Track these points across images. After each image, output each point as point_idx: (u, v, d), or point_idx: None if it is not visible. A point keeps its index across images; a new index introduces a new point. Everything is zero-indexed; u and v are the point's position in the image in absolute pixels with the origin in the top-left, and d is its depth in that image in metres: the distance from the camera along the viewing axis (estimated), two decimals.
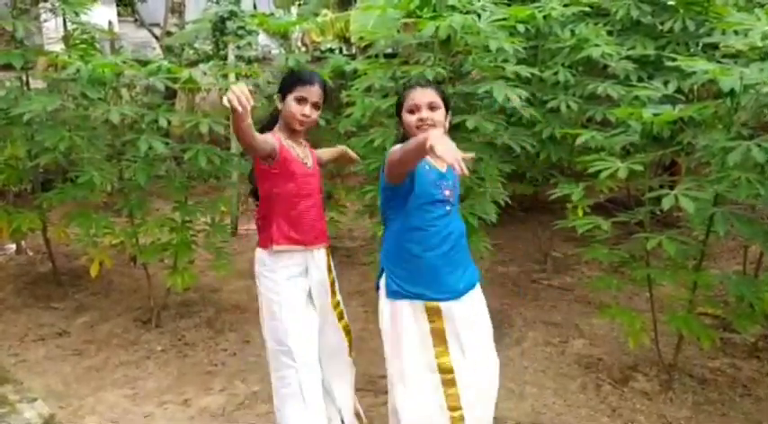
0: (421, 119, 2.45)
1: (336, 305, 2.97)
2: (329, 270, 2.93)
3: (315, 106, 2.75)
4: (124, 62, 3.98)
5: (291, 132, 2.79)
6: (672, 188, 3.07)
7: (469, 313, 2.54)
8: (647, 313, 3.75)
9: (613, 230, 3.37)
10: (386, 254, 2.60)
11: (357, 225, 6.53)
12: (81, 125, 4.33)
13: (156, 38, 10.51)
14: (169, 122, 3.99)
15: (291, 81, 2.74)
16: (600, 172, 3.16)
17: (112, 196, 4.93)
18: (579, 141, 3.47)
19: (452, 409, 2.47)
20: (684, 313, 3.32)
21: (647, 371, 3.74)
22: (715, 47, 4.40)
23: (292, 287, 2.78)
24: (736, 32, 3.71)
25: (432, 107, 2.46)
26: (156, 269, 4.85)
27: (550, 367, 3.85)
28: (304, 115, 2.72)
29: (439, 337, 2.49)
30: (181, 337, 4.36)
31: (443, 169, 2.52)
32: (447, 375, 2.48)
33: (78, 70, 3.79)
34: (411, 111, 2.47)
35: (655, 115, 3.06)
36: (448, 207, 2.51)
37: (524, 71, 4.06)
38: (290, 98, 2.71)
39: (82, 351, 4.21)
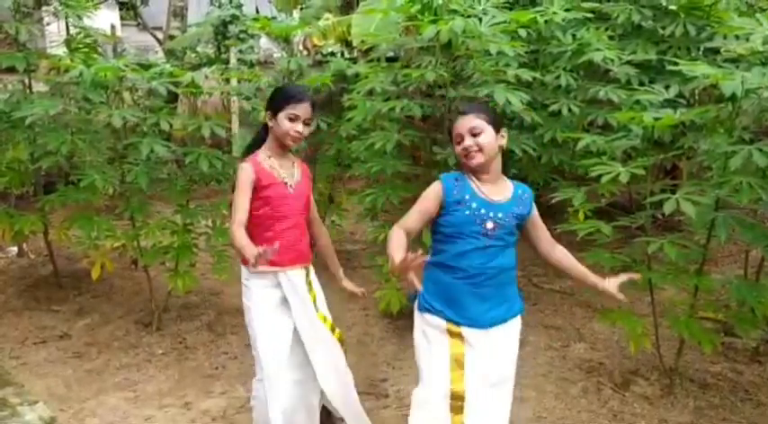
0: (465, 149, 2.39)
1: (324, 319, 2.93)
2: (309, 287, 2.91)
3: (306, 123, 2.78)
4: (126, 66, 3.98)
5: (281, 148, 2.83)
6: (673, 192, 3.07)
7: (495, 346, 2.46)
8: (649, 317, 3.75)
9: (614, 234, 3.37)
10: (425, 269, 2.52)
11: (358, 229, 6.53)
12: (83, 128, 4.34)
13: (159, 41, 10.53)
14: (171, 125, 3.99)
15: (282, 98, 2.77)
16: (601, 176, 3.16)
17: (114, 199, 4.93)
18: (580, 145, 3.47)
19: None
20: (686, 317, 3.32)
21: (648, 375, 3.74)
22: (716, 51, 4.40)
23: (264, 295, 2.82)
24: (737, 37, 3.71)
25: (474, 133, 2.38)
26: (158, 272, 4.85)
27: (552, 371, 3.85)
28: (297, 132, 2.76)
29: (457, 361, 2.43)
30: (182, 340, 4.36)
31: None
32: (457, 401, 2.42)
33: (81, 73, 3.80)
34: (457, 142, 2.43)
35: (656, 119, 3.05)
36: (485, 241, 2.42)
37: (525, 74, 4.06)
38: (282, 116, 2.74)
39: (83, 354, 4.21)
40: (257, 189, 2.74)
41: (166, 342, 4.33)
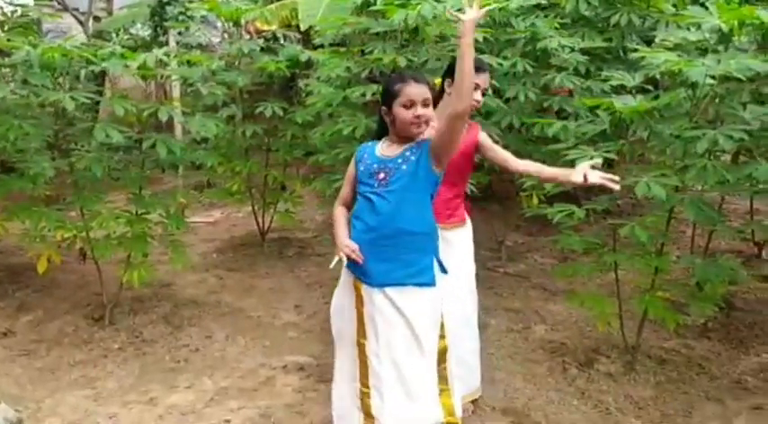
0: (417, 117, 2.46)
1: None
2: None
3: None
4: (76, 47, 3.76)
5: None
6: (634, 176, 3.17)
7: (393, 311, 2.50)
8: (609, 297, 3.87)
9: (574, 218, 3.46)
10: None
11: (307, 217, 6.45)
12: (22, 113, 4.08)
13: (81, 23, 10.00)
14: (127, 110, 3.79)
15: None
16: (574, 161, 3.22)
17: (54, 188, 4.69)
18: (551, 131, 3.55)
19: (363, 384, 2.57)
20: (649, 296, 3.46)
21: (608, 353, 3.86)
22: (649, 42, 4.63)
23: None
24: (686, 28, 3.82)
25: (426, 104, 2.48)
26: (105, 264, 4.64)
27: (517, 353, 3.93)
28: None
29: (359, 318, 2.57)
30: (138, 334, 4.19)
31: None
32: (362, 354, 2.56)
33: (28, 55, 3.57)
34: (406, 106, 2.46)
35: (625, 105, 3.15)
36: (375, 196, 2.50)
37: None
38: None
39: (31, 351, 4.00)
40: None
41: (121, 337, 4.16)
